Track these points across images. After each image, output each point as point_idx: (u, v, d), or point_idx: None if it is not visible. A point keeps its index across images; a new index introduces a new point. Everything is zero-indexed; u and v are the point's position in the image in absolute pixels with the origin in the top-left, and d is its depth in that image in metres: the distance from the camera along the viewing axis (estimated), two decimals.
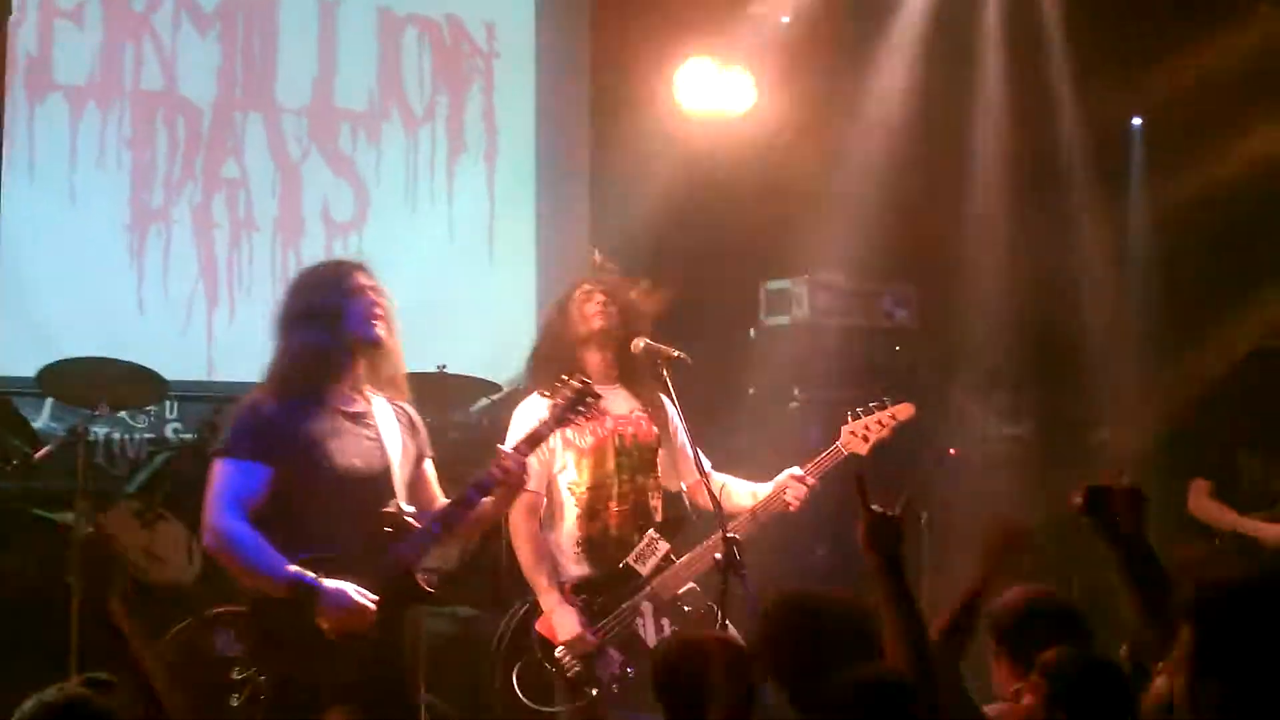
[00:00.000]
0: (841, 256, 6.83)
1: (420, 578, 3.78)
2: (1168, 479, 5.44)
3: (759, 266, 7.02)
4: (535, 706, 4.38)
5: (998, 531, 3.58)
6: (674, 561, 4.48)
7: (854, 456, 4.51)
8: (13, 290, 6.66)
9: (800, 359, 6.58)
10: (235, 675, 3.69)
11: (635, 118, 7.31)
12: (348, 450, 3.73)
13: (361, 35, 7.45)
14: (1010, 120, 7.04)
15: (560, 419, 4.04)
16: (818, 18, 7.18)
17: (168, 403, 6.58)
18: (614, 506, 4.51)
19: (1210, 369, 5.92)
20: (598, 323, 4.51)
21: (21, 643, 5.25)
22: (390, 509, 3.73)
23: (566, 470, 4.53)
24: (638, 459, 4.56)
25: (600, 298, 4.53)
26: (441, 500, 3.94)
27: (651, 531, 4.49)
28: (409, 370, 6.00)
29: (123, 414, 6.47)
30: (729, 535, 4.20)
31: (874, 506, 3.20)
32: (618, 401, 4.58)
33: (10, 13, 6.36)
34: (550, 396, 4.48)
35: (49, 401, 6.30)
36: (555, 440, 4.49)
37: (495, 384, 6.41)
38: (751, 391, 6.73)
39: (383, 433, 3.81)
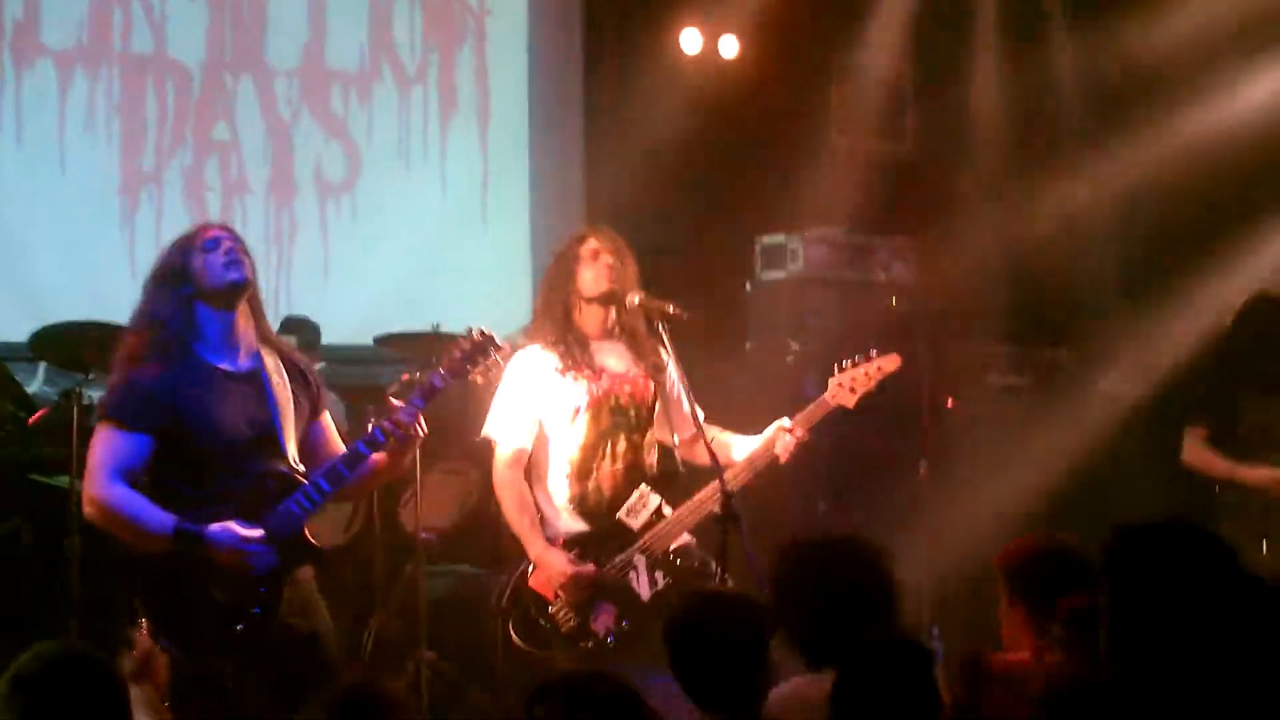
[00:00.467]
0: (837, 211, 6.79)
1: (309, 533, 3.75)
2: (1168, 426, 5.42)
3: (754, 221, 6.99)
4: (534, 650, 4.37)
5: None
6: (666, 515, 4.47)
7: (842, 408, 4.50)
8: (4, 256, 6.63)
9: (796, 313, 6.56)
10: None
11: (628, 73, 7.27)
12: (228, 411, 3.71)
13: None
14: (1007, 70, 6.99)
15: (456, 371, 3.94)
16: None
17: None
18: (608, 466, 4.50)
19: (1210, 315, 5.90)
20: (604, 284, 4.47)
21: (20, 607, 5.25)
22: (276, 467, 3.72)
23: (558, 428, 4.52)
24: (633, 417, 4.54)
25: (607, 259, 4.49)
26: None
27: (643, 485, 4.48)
28: (406, 330, 6.15)
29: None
30: (726, 489, 4.19)
31: None
32: (615, 358, 4.56)
33: None
34: (550, 349, 4.47)
35: (42, 366, 6.28)
36: (548, 396, 4.47)
37: None
38: (748, 346, 6.71)
39: (269, 390, 3.77)
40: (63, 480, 5.32)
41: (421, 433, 3.82)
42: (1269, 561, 4.84)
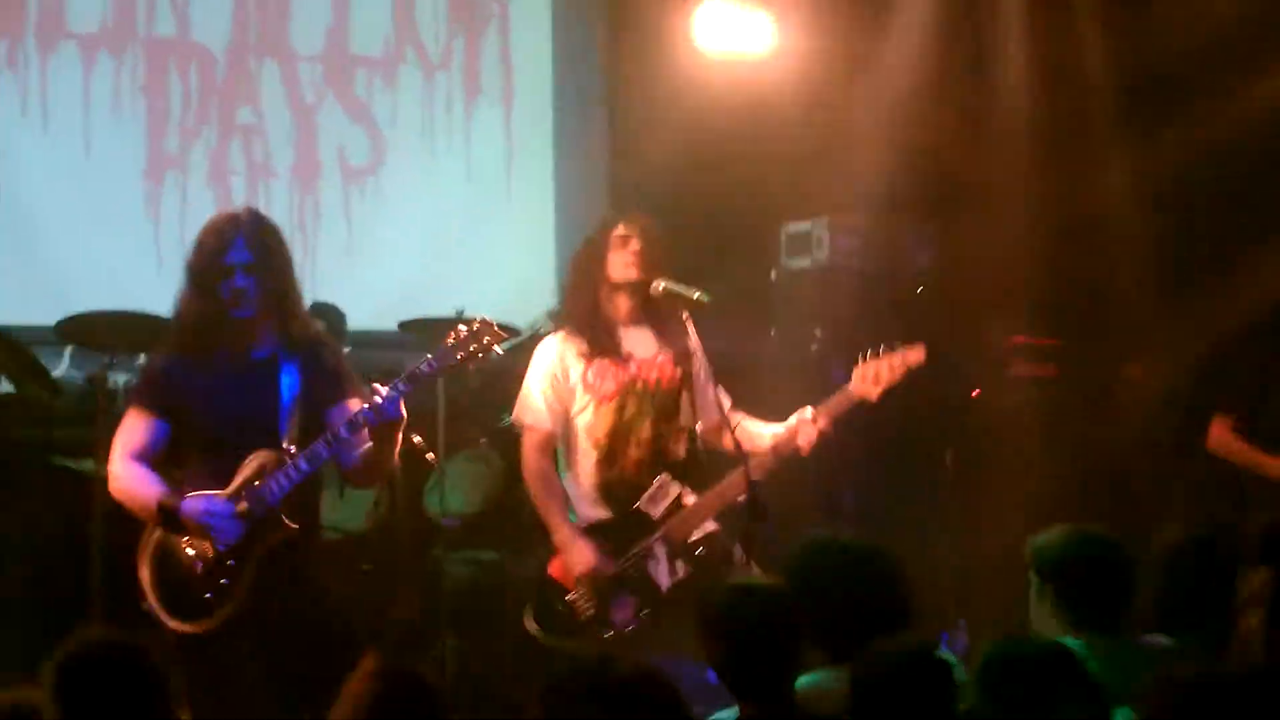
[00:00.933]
0: (863, 197, 6.75)
1: (282, 512, 3.84)
2: (1198, 416, 5.37)
3: (779, 208, 6.95)
4: (554, 641, 4.37)
5: None
6: (686, 504, 4.45)
7: (866, 401, 4.48)
8: (30, 240, 6.65)
9: (822, 301, 6.52)
10: None
11: (653, 58, 7.22)
12: (231, 401, 3.88)
13: None
14: (1034, 55, 6.93)
15: (446, 358, 3.96)
16: None
17: None
18: (635, 453, 4.49)
19: (1242, 304, 5.85)
20: (633, 272, 4.46)
21: (43, 590, 5.26)
22: (267, 449, 3.85)
23: (585, 414, 4.51)
24: (660, 403, 4.54)
25: (636, 245, 4.47)
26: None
27: (663, 474, 4.46)
28: (430, 315, 6.14)
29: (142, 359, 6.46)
30: (752, 479, 4.18)
31: None
32: (642, 344, 4.55)
33: None
34: (578, 335, 4.46)
35: (69, 349, 6.29)
36: (575, 381, 4.47)
37: (514, 328, 6.36)
38: (773, 333, 6.67)
39: (280, 381, 3.90)
40: (87, 464, 5.34)
41: (401, 416, 3.84)
42: None
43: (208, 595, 3.81)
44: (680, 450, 4.55)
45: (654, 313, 4.53)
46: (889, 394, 4.47)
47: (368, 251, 7.23)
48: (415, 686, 2.57)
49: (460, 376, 5.91)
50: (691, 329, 4.46)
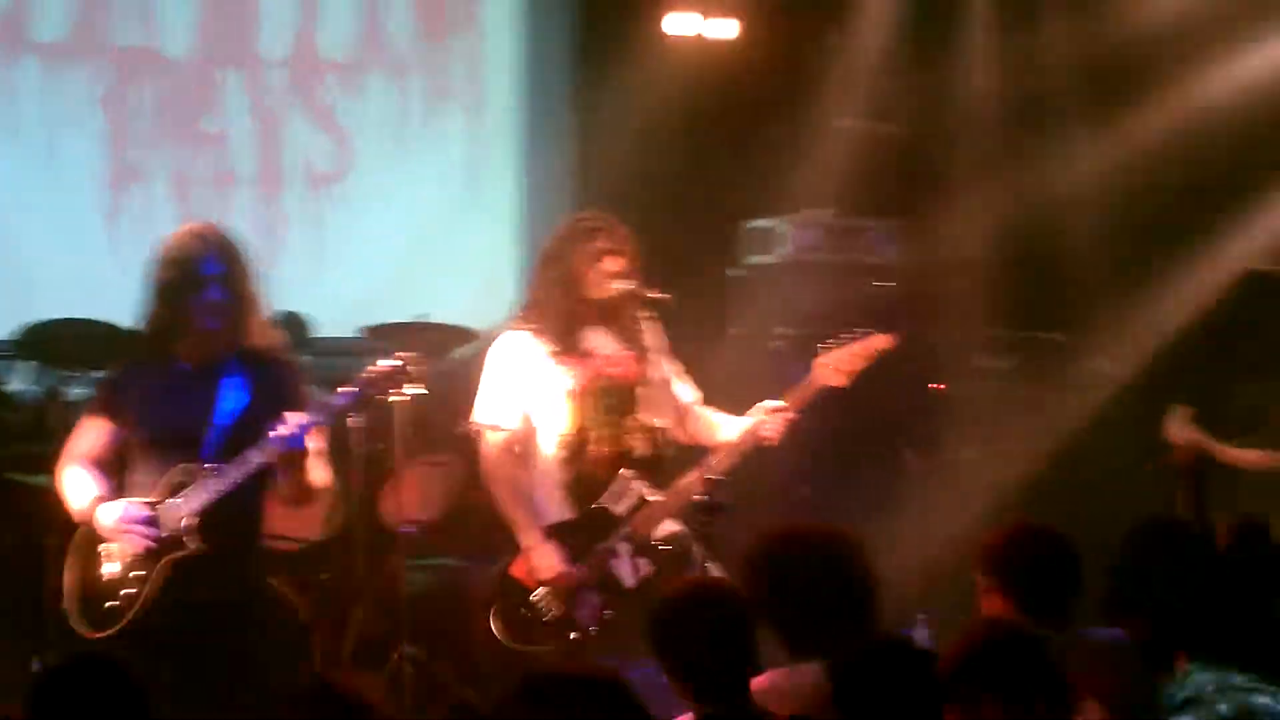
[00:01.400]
0: (825, 194, 6.74)
1: (189, 529, 3.84)
2: (1158, 408, 5.37)
3: (743, 205, 6.94)
4: (517, 646, 4.34)
5: None
6: (649, 501, 4.43)
7: (830, 388, 4.44)
8: None
9: (784, 298, 6.51)
10: None
11: (619, 60, 7.23)
12: (168, 410, 3.91)
13: None
14: (998, 48, 6.93)
15: (359, 396, 3.96)
16: None
17: None
18: (598, 449, 4.46)
19: (1201, 294, 5.85)
20: (611, 292, 4.41)
21: None
22: (188, 466, 3.87)
23: (548, 412, 4.48)
24: (622, 400, 4.51)
25: (616, 265, 4.41)
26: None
27: (625, 470, 4.44)
28: (395, 321, 6.12)
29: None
30: (710, 476, 4.15)
31: None
32: (602, 341, 4.52)
33: None
34: (540, 336, 4.43)
35: (25, 364, 6.26)
36: (537, 380, 4.45)
37: (474, 332, 6.35)
38: (733, 331, 6.66)
39: (222, 392, 3.92)
40: (41, 479, 5.30)
41: (303, 448, 3.86)
42: None
43: (112, 604, 3.85)
44: (643, 447, 4.52)
45: (615, 310, 4.50)
46: (855, 381, 4.44)
47: (333, 258, 7.22)
48: (344, 702, 2.54)
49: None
50: (652, 326, 4.43)
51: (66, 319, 5.67)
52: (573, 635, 4.34)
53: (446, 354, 6.32)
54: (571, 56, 7.64)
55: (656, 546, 4.43)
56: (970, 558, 3.67)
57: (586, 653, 4.29)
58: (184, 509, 3.83)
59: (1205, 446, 5.10)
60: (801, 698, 3.05)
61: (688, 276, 5.59)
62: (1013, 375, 6.47)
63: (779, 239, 6.65)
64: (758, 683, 3.12)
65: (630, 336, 4.52)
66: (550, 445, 4.47)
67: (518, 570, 4.40)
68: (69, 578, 3.93)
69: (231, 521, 3.91)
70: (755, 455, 4.49)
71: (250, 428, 3.88)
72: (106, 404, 4.02)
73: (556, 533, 4.42)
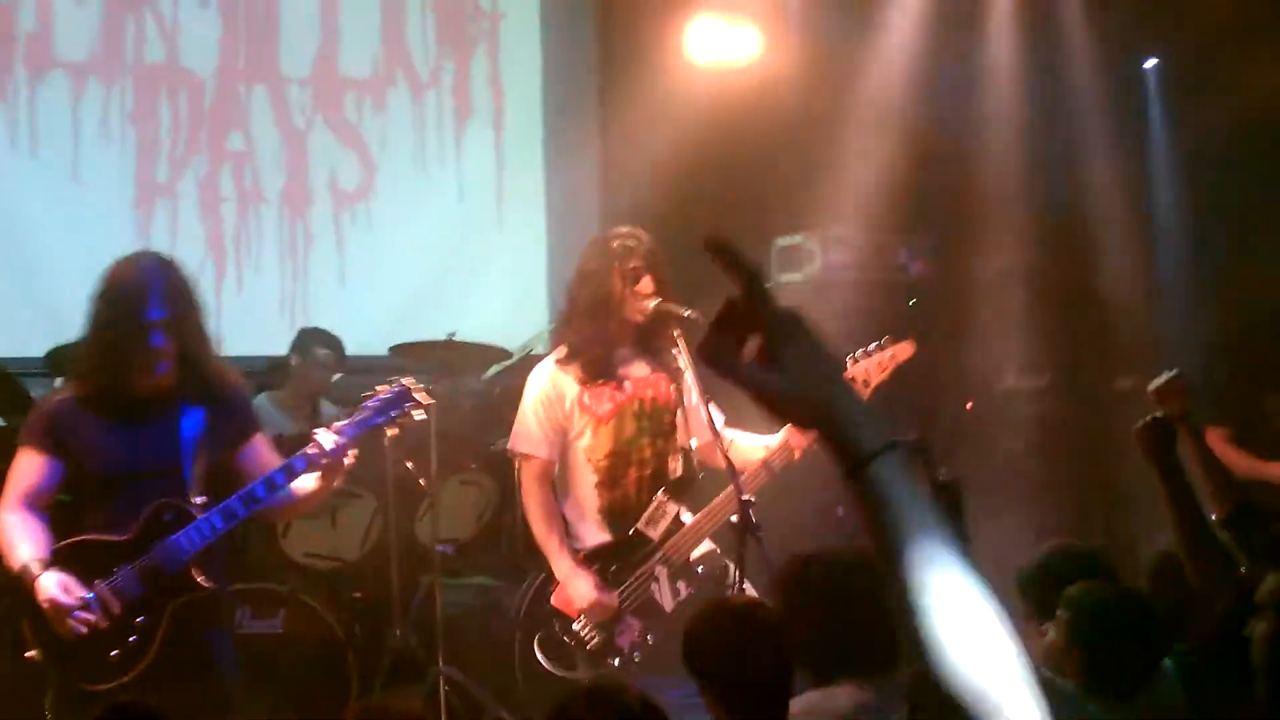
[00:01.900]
0: (854, 210, 6.73)
1: (194, 569, 3.78)
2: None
3: (770, 223, 6.93)
4: (559, 672, 4.33)
5: None
6: (685, 523, 4.42)
7: None
8: (19, 271, 6.64)
9: (814, 316, 6.47)
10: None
11: (643, 75, 7.21)
12: (129, 446, 3.80)
13: (363, 1, 7.36)
14: (1022, 66, 6.92)
15: (370, 424, 3.91)
16: None
17: None
18: (635, 473, 4.45)
19: (1235, 314, 5.83)
20: (649, 311, 4.39)
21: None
22: (174, 499, 3.78)
23: (583, 437, 4.47)
24: (658, 422, 4.50)
25: (650, 284, 4.39)
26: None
27: (660, 493, 4.43)
28: (422, 340, 6.11)
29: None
30: (744, 498, 4.14)
31: None
32: (636, 363, 4.51)
33: None
34: (575, 360, 4.41)
35: (59, 381, 6.25)
36: (571, 405, 4.43)
37: (505, 350, 6.35)
38: None
39: (179, 425, 3.82)
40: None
41: (349, 461, 3.84)
42: None
43: (114, 653, 3.72)
44: (678, 469, 4.51)
45: (646, 331, 4.48)
46: (879, 393, 4.41)
47: (360, 276, 7.22)
48: None
49: (451, 401, 5.90)
50: (683, 347, 4.43)
51: None
52: (615, 661, 4.33)
53: (476, 373, 6.33)
54: (593, 72, 7.64)
55: (695, 568, 4.42)
56: (1005, 578, 3.67)
57: (629, 679, 4.29)
58: (183, 550, 3.70)
59: (1248, 467, 5.07)
60: (838, 719, 3.05)
61: (714, 295, 5.55)
62: (1044, 393, 6.44)
63: (808, 256, 6.63)
64: (796, 703, 3.12)
65: (664, 357, 4.51)
66: (587, 470, 4.46)
67: (558, 600, 4.39)
68: (31, 627, 3.73)
69: (217, 563, 3.88)
70: (787, 475, 4.47)
71: (214, 458, 3.84)
72: (50, 440, 3.81)
73: (593, 558, 4.41)
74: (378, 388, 3.97)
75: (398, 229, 7.29)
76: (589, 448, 4.45)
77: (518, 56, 7.61)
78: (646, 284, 4.39)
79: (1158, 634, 3.18)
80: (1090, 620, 3.16)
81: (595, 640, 4.35)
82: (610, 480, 4.45)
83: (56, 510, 3.85)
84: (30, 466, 3.83)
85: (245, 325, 6.55)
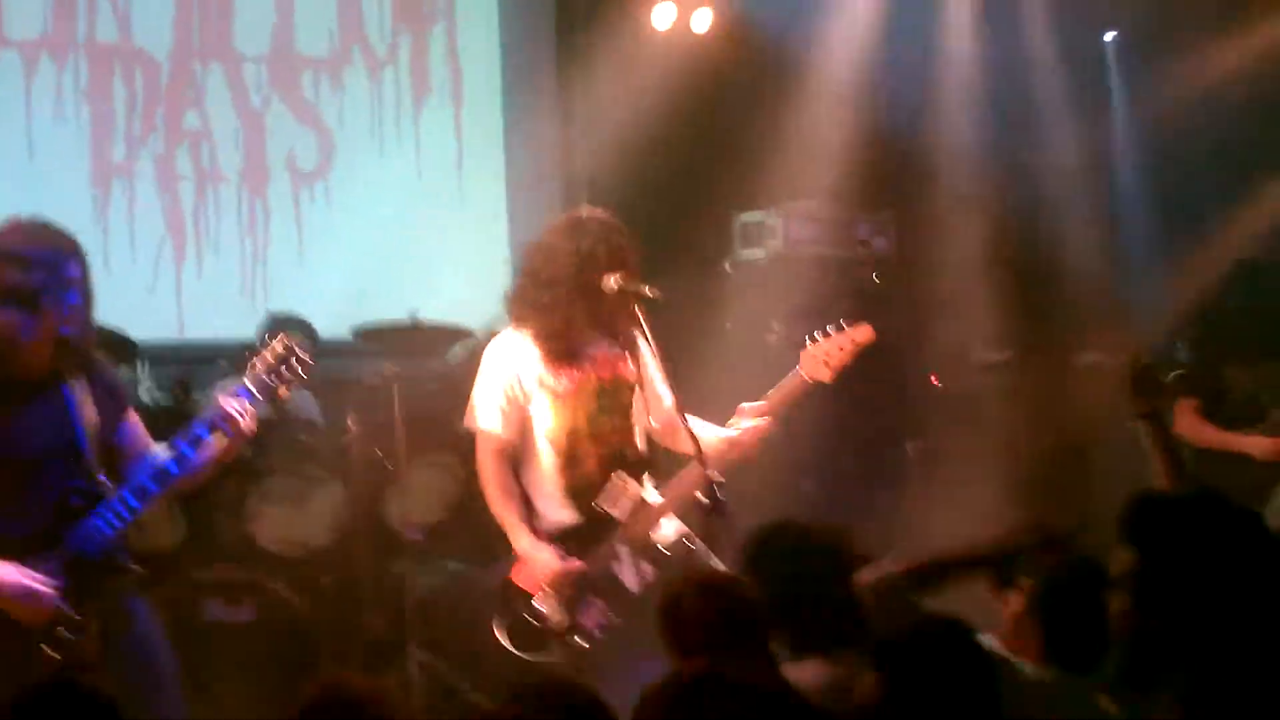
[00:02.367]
0: (816, 186, 6.72)
1: (119, 556, 3.73)
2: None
3: (733, 198, 6.92)
4: (528, 656, 4.32)
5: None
6: (645, 502, 4.41)
7: (819, 384, 4.43)
8: None
9: (777, 292, 6.49)
10: None
11: (603, 51, 7.18)
12: (22, 427, 3.67)
13: None
14: (982, 40, 6.93)
15: (262, 386, 3.84)
16: None
17: (139, 364, 6.47)
18: (596, 451, 4.43)
19: (1195, 285, 5.87)
20: (611, 285, 4.34)
21: None
22: (79, 482, 3.68)
23: (543, 416, 4.46)
24: (618, 400, 4.48)
25: (614, 260, 4.36)
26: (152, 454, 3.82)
27: (619, 472, 4.41)
28: (385, 321, 6.09)
29: None
30: (710, 475, 4.14)
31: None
32: (595, 341, 4.49)
33: None
34: (536, 339, 4.40)
35: None
36: (531, 383, 4.42)
37: (467, 330, 6.32)
38: (729, 327, 6.64)
39: (67, 402, 3.72)
40: None
41: (249, 424, 3.77)
42: None
43: (48, 648, 3.59)
44: (640, 447, 4.51)
45: (607, 310, 4.44)
46: (842, 375, 4.42)
47: (320, 256, 7.16)
48: (353, 702, 2.51)
49: (416, 382, 5.88)
50: (643, 324, 4.41)
51: None
52: (578, 641, 4.33)
53: (439, 353, 6.31)
54: (552, 47, 7.60)
55: (657, 548, 4.42)
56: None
57: (593, 657, 4.29)
58: (105, 533, 3.62)
59: (1218, 439, 5.11)
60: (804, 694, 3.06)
61: (676, 271, 5.57)
62: (1009, 367, 6.47)
63: (771, 232, 6.63)
64: None
65: (623, 336, 4.50)
66: (547, 448, 4.45)
67: (518, 577, 4.38)
68: None
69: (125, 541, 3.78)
70: (756, 452, 4.47)
71: (102, 434, 3.74)
72: None
73: (559, 540, 4.40)
74: (261, 349, 3.90)
75: (357, 208, 7.24)
76: (549, 427, 4.44)
77: (475, 33, 7.55)
78: (608, 263, 4.37)
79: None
80: (1048, 589, 3.19)
81: (558, 619, 4.34)
82: (571, 459, 4.43)
83: None
84: None
85: (205, 307, 6.50)
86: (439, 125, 7.45)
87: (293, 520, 5.23)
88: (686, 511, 4.37)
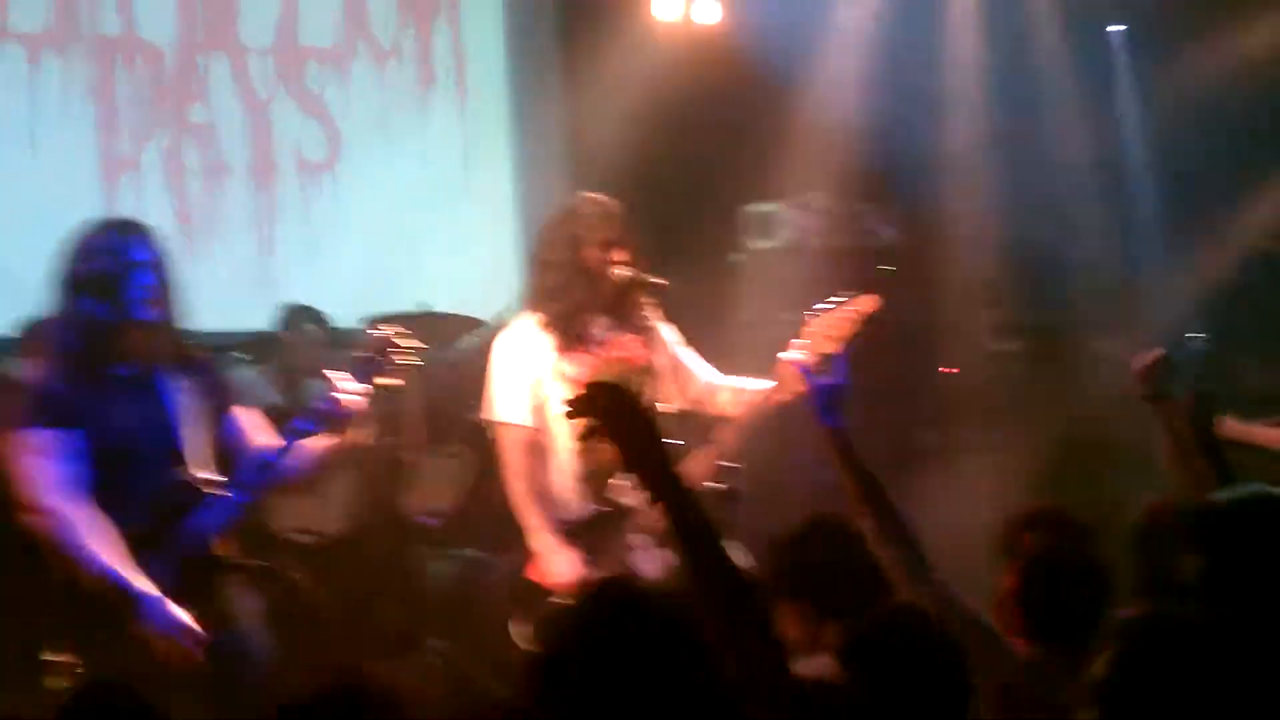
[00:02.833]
0: (824, 177, 6.73)
1: (221, 549, 3.72)
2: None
3: (741, 189, 6.92)
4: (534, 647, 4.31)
5: None
6: None
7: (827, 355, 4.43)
8: None
9: (786, 283, 6.49)
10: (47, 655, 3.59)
11: (609, 40, 7.18)
12: (120, 420, 3.66)
13: None
14: (989, 31, 6.93)
15: (362, 373, 3.87)
16: None
17: None
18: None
19: (1204, 275, 5.88)
20: (620, 273, 4.38)
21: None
22: (181, 478, 3.68)
23: (558, 402, 4.46)
24: (632, 384, 4.48)
25: (622, 248, 4.39)
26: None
27: None
28: (397, 310, 6.10)
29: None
30: (723, 463, 4.14)
31: None
32: (605, 327, 4.50)
33: None
34: (548, 328, 4.40)
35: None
36: (547, 371, 4.42)
37: (479, 319, 6.33)
38: (739, 317, 6.64)
39: (169, 399, 3.73)
40: None
41: (358, 411, 3.79)
42: None
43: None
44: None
45: (616, 297, 4.46)
46: (850, 349, 4.42)
47: (328, 247, 7.16)
48: (364, 697, 2.51)
49: (428, 372, 5.88)
50: (651, 311, 4.41)
51: None
52: None
53: (452, 343, 6.31)
54: (557, 37, 7.60)
55: None
56: (986, 540, 3.71)
57: None
58: (210, 530, 3.64)
59: (1244, 434, 5.11)
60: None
61: (685, 262, 5.56)
62: (1021, 357, 6.48)
63: (780, 223, 6.63)
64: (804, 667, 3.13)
65: (634, 321, 4.50)
66: (565, 437, 4.44)
67: (534, 574, 4.37)
68: (91, 638, 3.52)
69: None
70: (772, 440, 4.48)
71: (205, 431, 3.76)
72: (57, 415, 3.58)
73: (575, 533, 4.39)
74: (363, 341, 3.93)
75: (365, 199, 7.25)
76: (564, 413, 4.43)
77: (479, 23, 7.56)
78: (614, 249, 4.39)
79: (1104, 586, 3.25)
80: (1036, 566, 3.22)
81: None
82: (586, 446, 4.43)
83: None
84: (53, 449, 3.59)
85: (216, 298, 6.47)
86: (445, 116, 7.46)
87: (308, 509, 5.23)
88: (700, 495, 4.34)
